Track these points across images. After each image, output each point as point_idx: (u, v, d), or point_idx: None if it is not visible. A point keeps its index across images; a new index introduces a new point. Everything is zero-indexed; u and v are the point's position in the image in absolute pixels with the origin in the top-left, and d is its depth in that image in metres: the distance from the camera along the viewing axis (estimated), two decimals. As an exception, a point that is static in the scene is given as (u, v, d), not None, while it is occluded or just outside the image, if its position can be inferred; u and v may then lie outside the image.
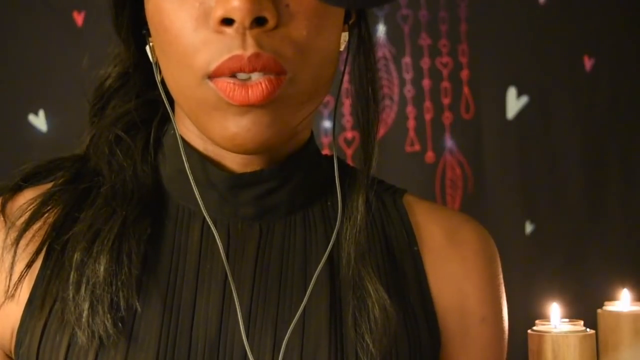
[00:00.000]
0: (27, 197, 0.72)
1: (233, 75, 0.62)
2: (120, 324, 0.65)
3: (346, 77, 0.74)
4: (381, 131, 2.04)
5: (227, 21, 0.61)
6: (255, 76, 0.62)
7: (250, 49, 0.61)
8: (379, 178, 0.78)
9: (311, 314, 0.68)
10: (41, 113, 1.91)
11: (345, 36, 0.70)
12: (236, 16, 0.60)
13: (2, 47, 1.90)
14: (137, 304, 0.66)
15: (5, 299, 0.68)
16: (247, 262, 0.69)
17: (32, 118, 1.91)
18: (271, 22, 0.61)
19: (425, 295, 0.73)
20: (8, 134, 1.90)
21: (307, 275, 0.70)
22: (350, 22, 0.72)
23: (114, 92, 0.77)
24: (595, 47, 2.11)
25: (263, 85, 0.62)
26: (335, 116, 0.78)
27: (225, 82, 0.62)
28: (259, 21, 0.61)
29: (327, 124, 1.98)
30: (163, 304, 0.67)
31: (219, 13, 0.61)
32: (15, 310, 0.69)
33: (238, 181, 0.70)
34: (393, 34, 2.05)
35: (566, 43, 2.10)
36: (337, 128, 1.99)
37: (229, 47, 0.61)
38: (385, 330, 0.67)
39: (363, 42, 0.73)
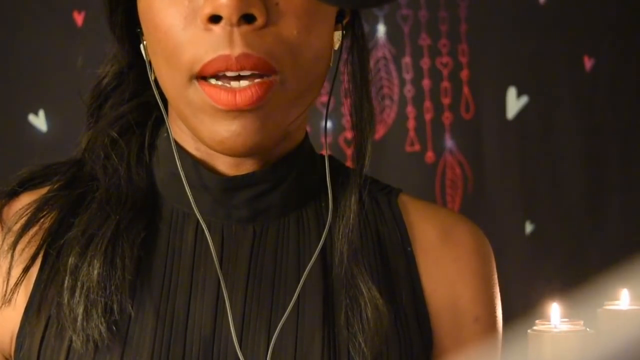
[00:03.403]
0: (23, 202, 0.71)
1: (221, 74, 0.62)
2: (114, 328, 0.65)
3: (347, 77, 0.74)
4: (381, 131, 2.04)
5: (215, 19, 0.61)
6: (245, 72, 0.61)
7: (238, 49, 0.61)
8: (373, 178, 0.78)
9: (304, 314, 0.68)
10: (41, 113, 1.91)
11: (339, 35, 0.70)
12: (223, 13, 0.60)
13: (2, 47, 1.90)
14: (131, 308, 0.66)
15: (2, 304, 0.68)
16: (240, 264, 0.69)
17: (32, 118, 1.91)
18: (260, 20, 0.61)
19: (418, 296, 0.73)
20: (8, 134, 1.89)
21: (300, 276, 0.69)
22: (345, 21, 0.72)
23: (111, 90, 0.77)
24: (595, 47, 2.11)
25: (252, 91, 0.62)
26: (327, 115, 0.78)
27: (212, 87, 0.62)
28: (247, 19, 0.61)
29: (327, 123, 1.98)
30: (157, 307, 0.67)
31: (207, 10, 0.61)
32: (13, 315, 0.69)
33: (231, 184, 0.70)
34: (393, 34, 2.05)
35: (566, 43, 2.10)
36: (337, 128, 1.99)
37: (215, 46, 0.61)
38: (377, 330, 0.67)
39: (357, 42, 0.73)
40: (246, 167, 0.70)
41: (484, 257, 0.78)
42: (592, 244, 2.09)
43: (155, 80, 0.69)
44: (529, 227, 2.09)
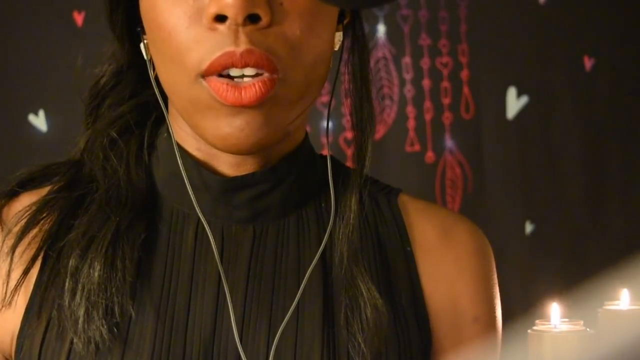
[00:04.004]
0: (23, 203, 0.71)
1: (226, 73, 0.62)
2: (115, 330, 0.65)
3: (348, 77, 0.74)
4: (381, 131, 2.04)
5: (220, 18, 0.61)
6: (248, 72, 0.62)
7: (243, 45, 0.61)
8: (374, 178, 0.78)
9: (304, 314, 0.68)
10: (41, 113, 1.91)
11: (339, 36, 0.70)
12: (229, 13, 0.60)
13: (2, 47, 1.90)
14: (132, 309, 0.66)
15: (2, 306, 0.68)
16: (240, 264, 0.69)
17: (32, 118, 1.91)
18: (264, 20, 0.61)
19: (417, 296, 0.73)
20: (8, 134, 1.90)
21: (300, 276, 0.69)
22: (345, 22, 0.72)
23: (110, 90, 0.77)
24: (595, 47, 2.11)
25: (256, 87, 0.62)
26: (329, 115, 0.78)
27: (219, 82, 0.62)
28: (252, 19, 0.61)
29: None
30: (157, 308, 0.67)
31: (212, 10, 0.61)
32: (13, 317, 0.69)
33: (231, 184, 0.70)
34: (393, 34, 2.05)
35: (566, 43, 2.10)
36: (337, 128, 1.99)
37: (221, 44, 0.62)
38: (376, 330, 0.67)
39: (357, 42, 0.73)
40: (246, 167, 0.70)
41: (484, 257, 0.78)
42: (592, 244, 2.09)
43: (156, 79, 0.69)
44: (529, 227, 2.09)
